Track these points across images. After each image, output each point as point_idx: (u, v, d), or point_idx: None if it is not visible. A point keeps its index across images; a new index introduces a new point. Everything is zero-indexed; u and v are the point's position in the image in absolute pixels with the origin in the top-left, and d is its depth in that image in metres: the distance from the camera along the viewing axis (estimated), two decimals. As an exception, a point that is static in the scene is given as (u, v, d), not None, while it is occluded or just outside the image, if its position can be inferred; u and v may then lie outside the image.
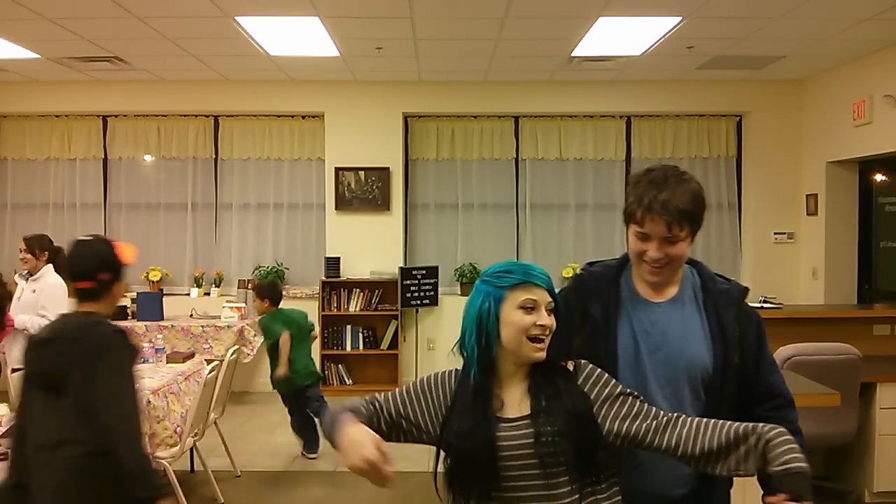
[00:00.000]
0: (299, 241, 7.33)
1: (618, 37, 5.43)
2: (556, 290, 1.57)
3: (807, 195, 6.81)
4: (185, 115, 7.22)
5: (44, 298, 4.44)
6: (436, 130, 7.26)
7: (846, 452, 4.25)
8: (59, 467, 2.07)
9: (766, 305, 4.83)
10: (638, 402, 1.51)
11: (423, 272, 6.83)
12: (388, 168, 7.01)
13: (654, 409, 1.50)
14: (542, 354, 1.48)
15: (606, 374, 1.55)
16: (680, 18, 4.97)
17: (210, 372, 4.12)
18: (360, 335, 6.95)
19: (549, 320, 1.49)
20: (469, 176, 7.29)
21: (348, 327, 6.94)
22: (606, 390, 1.52)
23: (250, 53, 5.86)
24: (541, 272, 1.52)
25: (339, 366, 6.97)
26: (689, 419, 1.47)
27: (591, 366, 1.56)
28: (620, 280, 1.75)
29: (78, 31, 5.22)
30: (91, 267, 2.27)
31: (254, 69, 6.48)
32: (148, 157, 7.33)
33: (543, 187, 7.28)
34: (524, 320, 1.47)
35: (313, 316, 6.94)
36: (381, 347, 6.95)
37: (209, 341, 6.33)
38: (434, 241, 7.35)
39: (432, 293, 6.88)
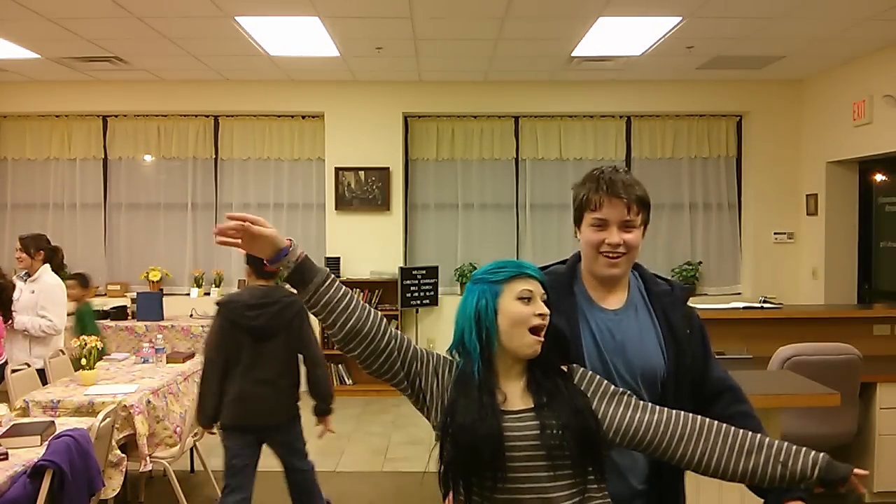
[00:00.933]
0: (299, 241, 7.25)
1: (618, 37, 5.43)
2: None
3: (807, 195, 6.81)
4: (185, 115, 7.22)
5: (43, 299, 4.43)
6: (436, 130, 7.26)
7: (846, 452, 4.24)
8: (278, 393, 3.39)
9: (766, 305, 4.83)
10: (634, 399, 1.53)
11: (423, 272, 6.83)
12: (388, 168, 7.01)
13: (650, 405, 1.53)
14: (539, 348, 1.49)
15: (599, 376, 1.57)
16: (680, 18, 4.97)
17: (210, 372, 4.12)
18: (360, 335, 6.94)
19: (546, 310, 1.50)
20: (469, 176, 7.29)
21: (348, 327, 6.93)
22: (601, 388, 1.53)
23: (250, 53, 5.86)
24: (531, 265, 1.55)
25: (339, 366, 6.97)
26: (691, 419, 1.50)
27: (583, 368, 1.58)
28: (574, 288, 1.76)
29: (78, 31, 5.22)
30: None
31: (254, 69, 6.48)
32: (148, 157, 7.33)
33: (543, 187, 7.28)
34: (524, 311, 1.48)
35: (314, 316, 6.95)
36: (381, 347, 6.94)
37: (209, 341, 6.32)
38: (434, 241, 7.35)
39: (432, 293, 6.88)
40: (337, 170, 7.02)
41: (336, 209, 7.02)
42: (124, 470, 3.45)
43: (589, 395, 1.52)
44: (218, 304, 3.36)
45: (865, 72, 5.90)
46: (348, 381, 6.96)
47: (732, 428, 1.49)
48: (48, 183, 7.26)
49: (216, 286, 7.12)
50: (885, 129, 5.66)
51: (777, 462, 1.45)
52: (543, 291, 1.52)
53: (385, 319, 1.55)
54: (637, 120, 7.25)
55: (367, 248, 7.01)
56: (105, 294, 7.11)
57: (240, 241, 1.49)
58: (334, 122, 7.06)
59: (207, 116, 7.24)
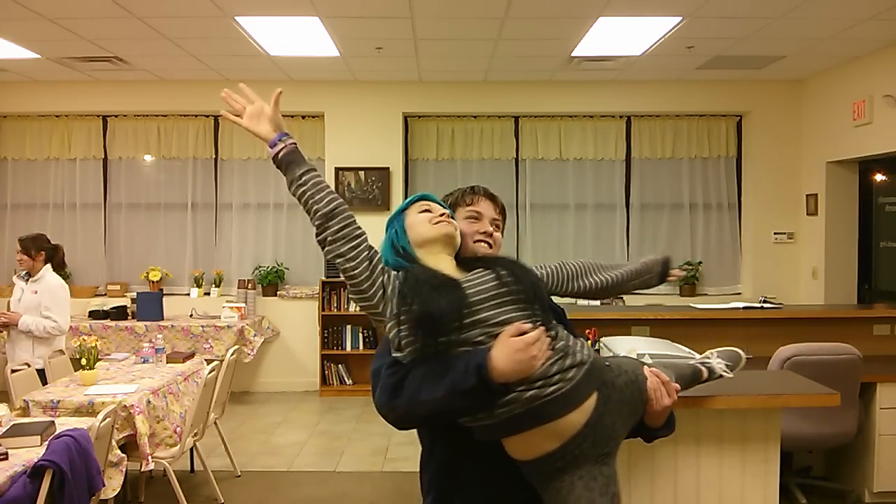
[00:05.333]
0: (299, 241, 7.33)
1: (618, 37, 5.43)
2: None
3: (807, 195, 6.81)
4: (185, 115, 7.22)
5: (47, 300, 4.43)
6: (436, 130, 7.26)
7: (846, 452, 4.25)
8: None
9: (766, 305, 4.83)
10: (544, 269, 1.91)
11: (423, 272, 6.82)
12: (388, 168, 7.01)
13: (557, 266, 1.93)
14: (450, 231, 1.72)
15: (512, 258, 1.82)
16: (680, 18, 4.97)
17: (210, 372, 4.12)
18: (360, 335, 6.95)
19: (442, 209, 1.77)
20: (469, 176, 7.29)
21: (348, 327, 6.94)
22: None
23: (250, 53, 5.86)
24: (427, 195, 1.84)
25: (339, 366, 6.97)
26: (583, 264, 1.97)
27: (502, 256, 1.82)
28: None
29: (78, 31, 5.22)
30: None
31: (254, 69, 6.48)
32: (148, 157, 7.33)
33: (543, 187, 7.28)
34: (426, 215, 1.75)
35: (313, 316, 6.97)
36: (381, 347, 6.94)
37: (209, 341, 6.33)
38: (434, 241, 7.32)
39: (432, 293, 6.87)
40: (337, 170, 7.02)
41: (336, 209, 7.01)
42: (124, 470, 3.45)
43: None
44: None
45: (865, 72, 5.90)
46: (348, 381, 6.96)
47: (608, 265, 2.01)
48: (48, 183, 7.26)
49: (216, 286, 7.12)
50: (885, 129, 5.66)
51: (643, 273, 2.12)
52: (439, 205, 1.79)
53: (353, 220, 1.66)
54: (637, 120, 7.25)
55: (367, 248, 6.99)
56: (105, 294, 7.11)
57: (241, 115, 1.76)
58: (334, 122, 7.06)
59: (207, 116, 7.24)
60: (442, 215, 1.74)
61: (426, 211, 1.76)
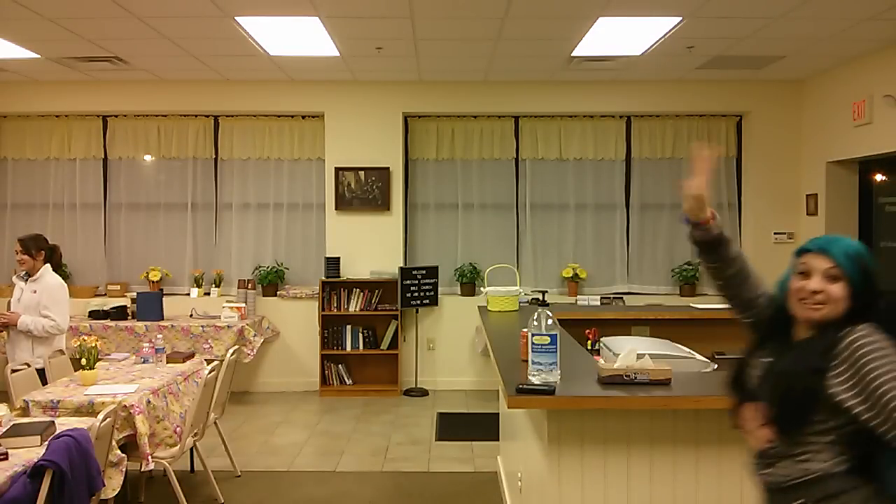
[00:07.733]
0: (299, 241, 7.33)
1: (618, 37, 5.43)
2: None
3: (807, 195, 6.82)
4: (185, 115, 7.22)
5: (46, 299, 4.43)
6: (436, 130, 7.27)
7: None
8: None
9: (766, 305, 4.84)
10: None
11: (423, 272, 6.83)
12: (388, 168, 7.01)
13: None
14: (812, 314, 1.66)
15: (872, 345, 1.55)
16: (680, 18, 4.97)
17: (210, 372, 4.12)
18: (360, 335, 6.95)
19: (818, 285, 1.65)
20: (469, 176, 7.29)
21: (348, 327, 6.94)
22: (857, 369, 1.55)
23: (250, 53, 5.86)
24: (825, 242, 1.69)
25: (339, 366, 6.98)
26: None
27: (860, 333, 1.58)
28: None
29: (78, 31, 5.23)
30: None
31: (254, 69, 6.48)
32: (148, 157, 7.33)
33: (543, 187, 7.28)
34: (795, 284, 1.71)
35: (313, 316, 6.97)
36: (381, 347, 6.95)
37: (209, 341, 6.33)
38: (434, 241, 7.35)
39: (432, 293, 6.88)
40: (337, 170, 7.02)
41: (336, 209, 7.02)
42: (124, 470, 3.46)
43: (836, 367, 1.58)
44: None
45: (865, 72, 5.91)
46: (348, 381, 6.96)
47: None
48: (48, 183, 7.26)
49: (216, 286, 7.13)
50: (885, 129, 5.66)
51: None
52: (831, 265, 1.65)
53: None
54: (637, 120, 7.25)
55: (367, 248, 7.02)
56: (105, 294, 7.11)
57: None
58: (334, 122, 7.06)
59: (207, 116, 7.25)
60: (816, 293, 1.65)
61: (804, 274, 1.70)
